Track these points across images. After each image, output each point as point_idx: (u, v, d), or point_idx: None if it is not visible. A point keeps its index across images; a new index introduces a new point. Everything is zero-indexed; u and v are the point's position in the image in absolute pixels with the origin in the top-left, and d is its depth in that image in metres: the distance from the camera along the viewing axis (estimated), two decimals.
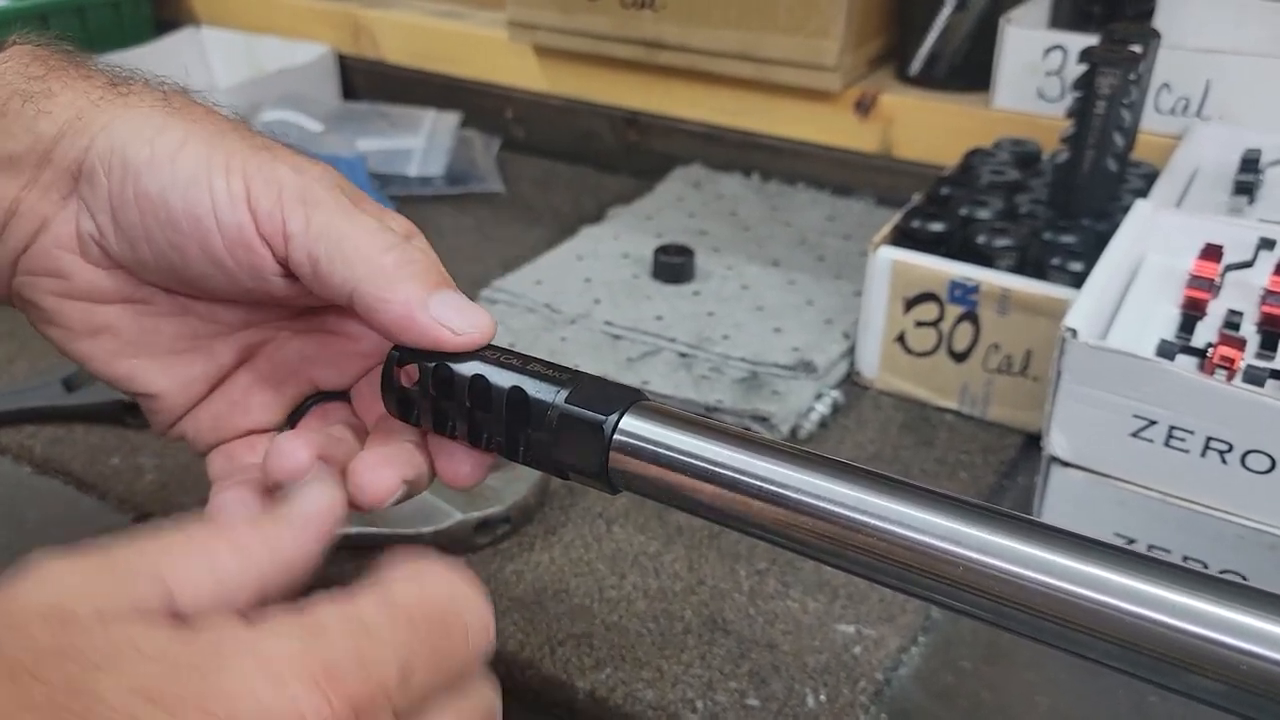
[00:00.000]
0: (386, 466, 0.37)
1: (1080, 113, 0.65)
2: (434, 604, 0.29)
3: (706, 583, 0.53)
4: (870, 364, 0.68)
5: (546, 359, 0.38)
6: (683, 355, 0.69)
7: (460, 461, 0.39)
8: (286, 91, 1.03)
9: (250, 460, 0.41)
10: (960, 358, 0.65)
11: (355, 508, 0.37)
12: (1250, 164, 0.70)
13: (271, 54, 1.12)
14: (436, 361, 0.37)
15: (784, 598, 0.52)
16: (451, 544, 0.54)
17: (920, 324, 0.65)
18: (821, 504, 0.31)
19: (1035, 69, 0.80)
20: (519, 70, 1.03)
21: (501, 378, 0.37)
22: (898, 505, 0.30)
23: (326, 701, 0.24)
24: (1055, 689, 0.48)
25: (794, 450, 0.33)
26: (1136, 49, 0.63)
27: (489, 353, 0.38)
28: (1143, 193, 0.71)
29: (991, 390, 0.64)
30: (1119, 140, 0.65)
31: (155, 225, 0.36)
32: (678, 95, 0.95)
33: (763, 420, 0.63)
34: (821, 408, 0.65)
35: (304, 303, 0.40)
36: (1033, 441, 0.64)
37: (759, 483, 0.32)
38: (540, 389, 0.36)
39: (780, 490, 0.32)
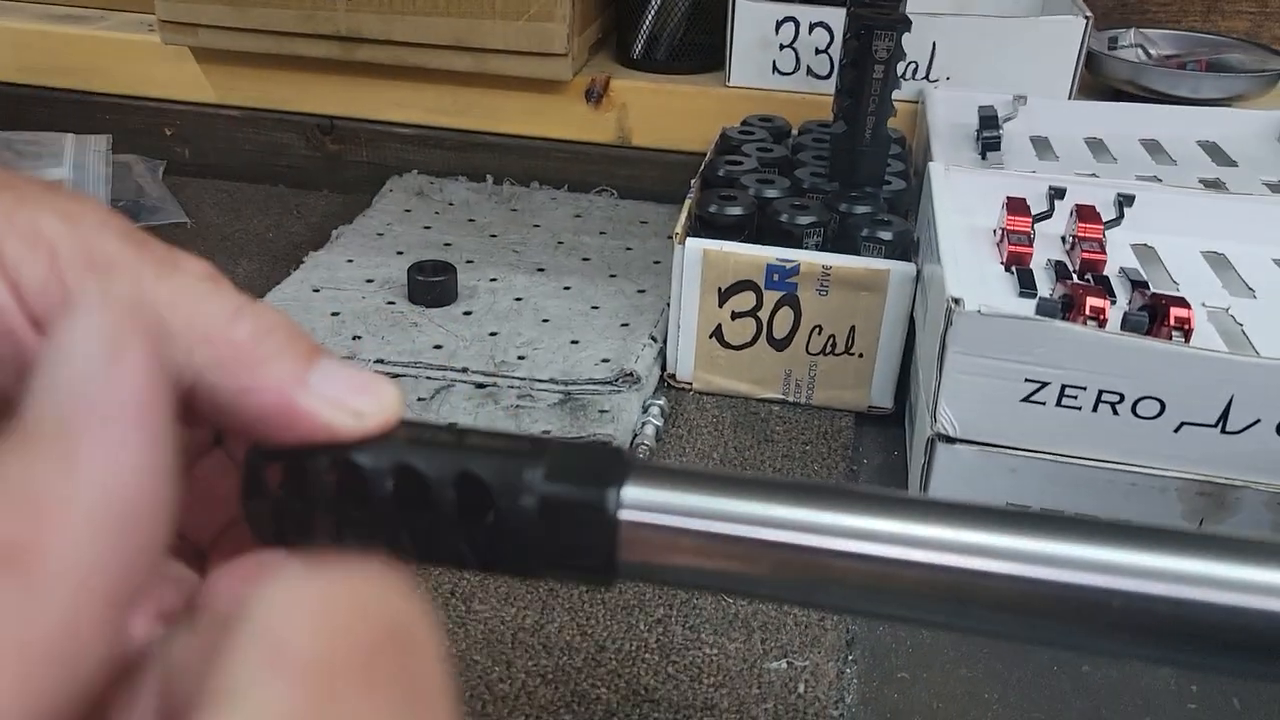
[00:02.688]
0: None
1: (855, 80, 0.63)
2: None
3: (608, 648, 0.45)
4: (685, 364, 0.63)
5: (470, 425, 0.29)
6: (480, 386, 0.60)
7: None
8: None
9: None
10: (782, 345, 0.61)
11: None
12: (989, 121, 0.72)
13: None
14: (330, 455, 0.27)
15: (698, 645, 0.45)
16: None
17: (737, 315, 0.60)
18: (936, 555, 0.25)
19: (769, 43, 0.79)
20: (176, 79, 0.87)
21: (441, 463, 0.27)
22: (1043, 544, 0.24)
23: None
24: (996, 682, 0.45)
25: (858, 493, 0.26)
26: (902, 11, 0.62)
27: (404, 430, 0.28)
28: (900, 158, 0.72)
29: (816, 374, 0.61)
30: (892, 105, 0.64)
31: None
32: (383, 96, 0.84)
33: None
34: (654, 419, 0.59)
35: None
36: (862, 419, 0.62)
37: (844, 542, 0.25)
38: (501, 470, 0.27)
39: (875, 547, 0.25)
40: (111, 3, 0.91)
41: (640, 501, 0.26)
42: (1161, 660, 0.24)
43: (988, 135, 0.71)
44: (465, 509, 0.27)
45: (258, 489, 0.27)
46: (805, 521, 0.26)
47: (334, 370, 0.26)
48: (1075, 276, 0.55)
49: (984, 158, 0.71)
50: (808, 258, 0.59)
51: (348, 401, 0.26)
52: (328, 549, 0.28)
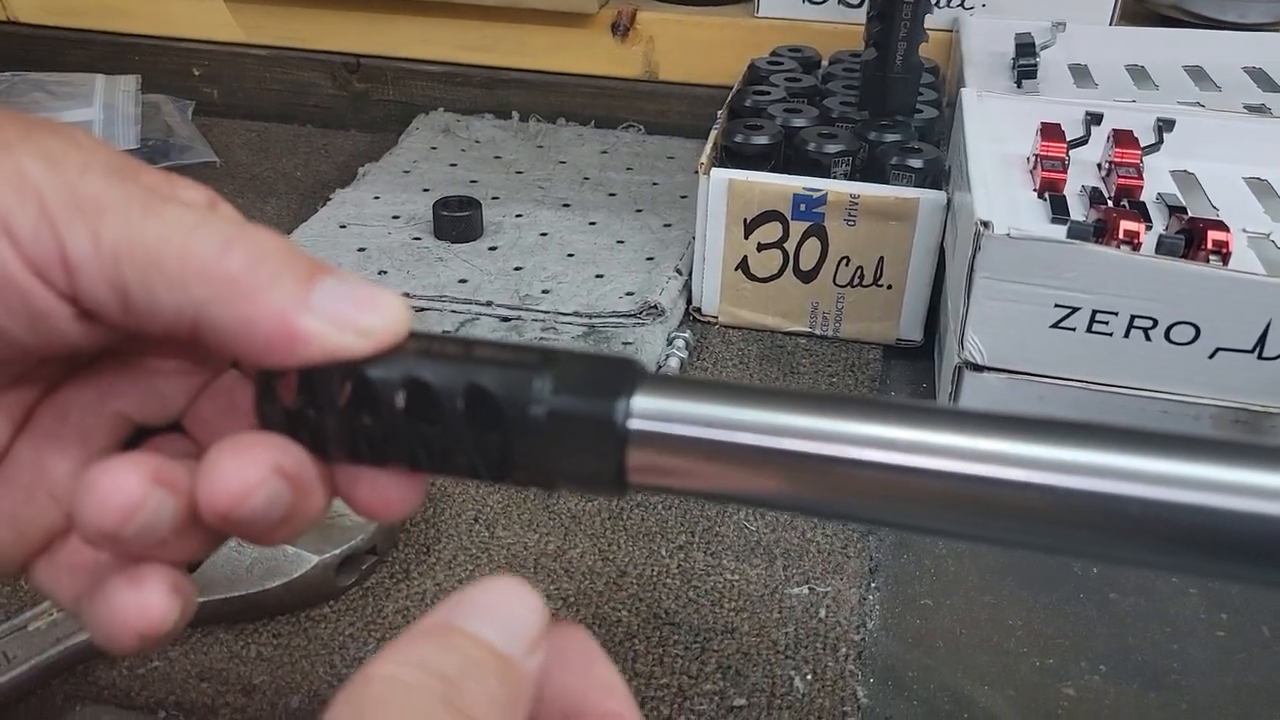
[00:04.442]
0: (249, 448, 0.26)
1: (886, 5, 0.61)
2: None
3: (629, 573, 0.45)
4: (711, 298, 0.62)
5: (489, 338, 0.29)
6: (506, 319, 0.60)
7: (386, 487, 0.28)
8: None
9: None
10: (808, 277, 0.60)
11: (209, 515, 0.25)
12: (1026, 48, 0.70)
13: None
14: (342, 369, 0.27)
15: (719, 571, 0.45)
16: (308, 596, 0.42)
17: (763, 246, 0.60)
18: (946, 463, 0.24)
19: None
20: (204, 18, 0.86)
21: (449, 375, 0.27)
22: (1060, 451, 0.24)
23: None
24: (1020, 608, 0.44)
25: (869, 402, 0.26)
26: None
27: (411, 343, 0.28)
28: (933, 86, 0.70)
29: (844, 306, 0.61)
30: (924, 32, 0.63)
31: None
32: (408, 33, 0.84)
33: None
34: (678, 352, 0.58)
35: (108, 343, 0.27)
36: (890, 352, 0.61)
37: (855, 450, 0.25)
38: (509, 382, 0.26)
39: (886, 455, 0.25)
40: None
41: (649, 411, 0.26)
42: (1178, 568, 0.23)
43: (1024, 63, 0.69)
44: (474, 421, 0.26)
45: (270, 402, 0.27)
46: (815, 429, 0.25)
47: (336, 288, 0.26)
48: (1111, 203, 0.53)
49: (1019, 85, 0.69)
50: (835, 187, 0.58)
51: (353, 319, 0.26)
52: (342, 461, 0.28)
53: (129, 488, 0.25)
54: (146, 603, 0.26)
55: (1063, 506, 0.24)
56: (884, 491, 0.25)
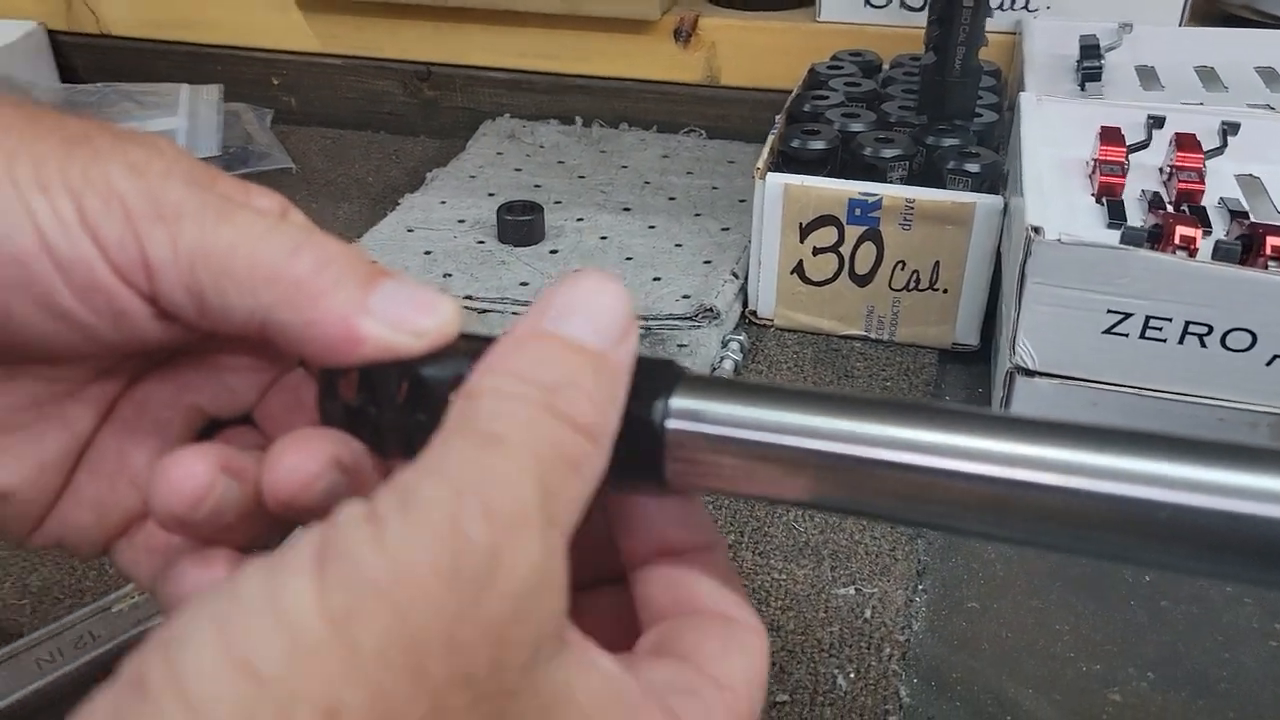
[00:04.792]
0: (310, 441, 0.28)
1: (945, 9, 0.62)
2: None
3: None
4: (767, 301, 0.63)
5: None
6: None
7: None
8: None
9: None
10: (864, 281, 0.61)
11: (272, 503, 0.27)
12: (1091, 50, 0.70)
13: None
14: (399, 368, 0.28)
15: (767, 570, 0.46)
16: None
17: (819, 250, 0.60)
18: (977, 466, 0.25)
19: None
20: (283, 29, 0.90)
21: None
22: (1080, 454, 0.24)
23: None
24: (1068, 613, 0.45)
25: (902, 404, 0.27)
26: None
27: (463, 343, 0.29)
28: (994, 90, 0.70)
29: (899, 310, 0.61)
30: (984, 36, 0.63)
31: None
32: (476, 41, 0.86)
33: None
34: (732, 354, 0.59)
35: (185, 341, 0.29)
36: (946, 357, 0.61)
37: (887, 452, 0.26)
38: None
39: (916, 457, 0.25)
40: None
41: (688, 412, 0.27)
42: (1232, 578, 0.24)
43: (1088, 65, 0.69)
44: None
45: (332, 398, 0.29)
46: (850, 432, 0.26)
47: (394, 291, 0.27)
48: (1171, 208, 0.53)
49: (1083, 89, 0.68)
50: (890, 191, 0.58)
51: (408, 321, 0.27)
52: (398, 455, 0.30)
53: (198, 475, 0.27)
54: (214, 581, 0.28)
55: (1089, 510, 0.24)
56: (914, 493, 0.26)
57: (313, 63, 0.90)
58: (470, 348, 0.29)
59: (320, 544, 0.20)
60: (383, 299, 0.27)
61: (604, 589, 0.32)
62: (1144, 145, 0.56)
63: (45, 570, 0.46)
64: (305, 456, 0.27)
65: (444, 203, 0.74)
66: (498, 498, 0.21)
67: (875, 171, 0.60)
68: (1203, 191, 0.53)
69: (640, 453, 0.27)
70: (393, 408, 0.29)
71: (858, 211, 0.59)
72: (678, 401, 0.27)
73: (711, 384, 0.28)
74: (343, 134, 0.90)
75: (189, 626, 0.19)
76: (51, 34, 0.93)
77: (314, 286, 0.26)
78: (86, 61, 0.94)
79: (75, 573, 0.46)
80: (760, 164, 0.60)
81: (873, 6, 0.78)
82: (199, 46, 0.92)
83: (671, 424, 0.27)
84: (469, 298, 0.63)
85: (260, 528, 0.29)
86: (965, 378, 0.60)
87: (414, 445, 0.30)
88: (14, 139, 0.25)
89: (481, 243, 0.69)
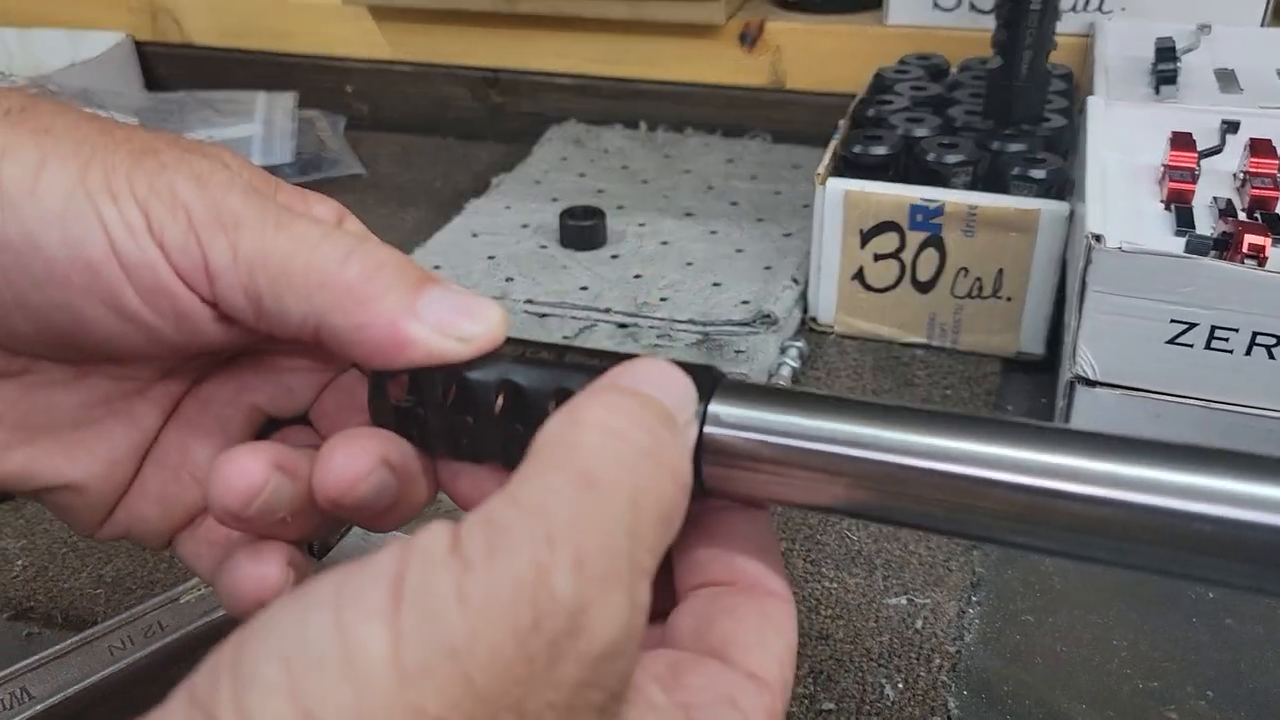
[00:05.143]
0: (360, 441, 0.28)
1: (1012, 13, 0.61)
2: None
3: None
4: (827, 307, 0.62)
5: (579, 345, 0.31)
6: (623, 326, 0.62)
7: (485, 483, 0.31)
8: (80, 89, 0.88)
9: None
10: (926, 288, 0.60)
11: (322, 500, 0.28)
12: (1166, 52, 0.68)
13: (53, 49, 0.96)
14: (444, 371, 0.29)
15: (819, 578, 0.46)
16: None
17: (880, 256, 0.60)
18: (1010, 476, 0.25)
19: None
20: (356, 38, 0.92)
21: (541, 379, 0.29)
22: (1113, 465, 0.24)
23: None
24: (1127, 629, 0.44)
25: (935, 412, 0.27)
26: None
27: (508, 348, 0.30)
28: (1065, 94, 0.69)
29: (962, 318, 0.60)
30: (1053, 39, 0.62)
31: (29, 284, 0.26)
32: (543, 47, 0.87)
33: None
34: (790, 361, 0.59)
35: (245, 343, 0.31)
36: (1010, 365, 0.60)
37: (922, 460, 0.26)
38: None
39: (951, 466, 0.25)
40: None
41: (724, 418, 0.28)
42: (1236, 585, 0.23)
43: (1163, 68, 0.67)
44: None
45: (381, 399, 0.30)
46: (883, 439, 0.26)
47: (441, 297, 0.28)
48: (1244, 215, 0.51)
49: (1157, 92, 0.67)
50: (953, 197, 0.57)
51: (454, 326, 0.28)
52: (444, 457, 0.31)
53: (252, 472, 0.28)
54: (265, 573, 0.29)
55: (1128, 522, 0.24)
56: (947, 501, 0.26)
57: (385, 70, 0.92)
58: (515, 353, 0.30)
59: (397, 576, 0.19)
60: (430, 304, 0.28)
61: None
62: (1217, 150, 0.55)
63: (120, 561, 0.48)
64: (354, 455, 0.28)
65: (508, 207, 0.75)
66: (590, 549, 0.20)
67: (938, 177, 0.59)
68: (1277, 199, 0.51)
69: None
70: (440, 410, 0.30)
71: (919, 217, 0.58)
72: (715, 407, 0.28)
73: (748, 390, 0.28)
74: (412, 139, 0.91)
75: (259, 664, 0.18)
76: (138, 45, 0.97)
77: (364, 292, 0.27)
78: (170, 71, 0.98)
79: (147, 564, 0.47)
80: (821, 169, 0.60)
81: (941, 9, 0.77)
82: (277, 55, 0.95)
83: (708, 430, 0.28)
84: (529, 301, 0.64)
85: (313, 523, 0.30)
86: (1029, 387, 0.59)
87: (459, 447, 0.30)
88: (88, 151, 0.27)
89: (544, 247, 0.70)
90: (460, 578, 0.19)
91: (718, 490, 0.28)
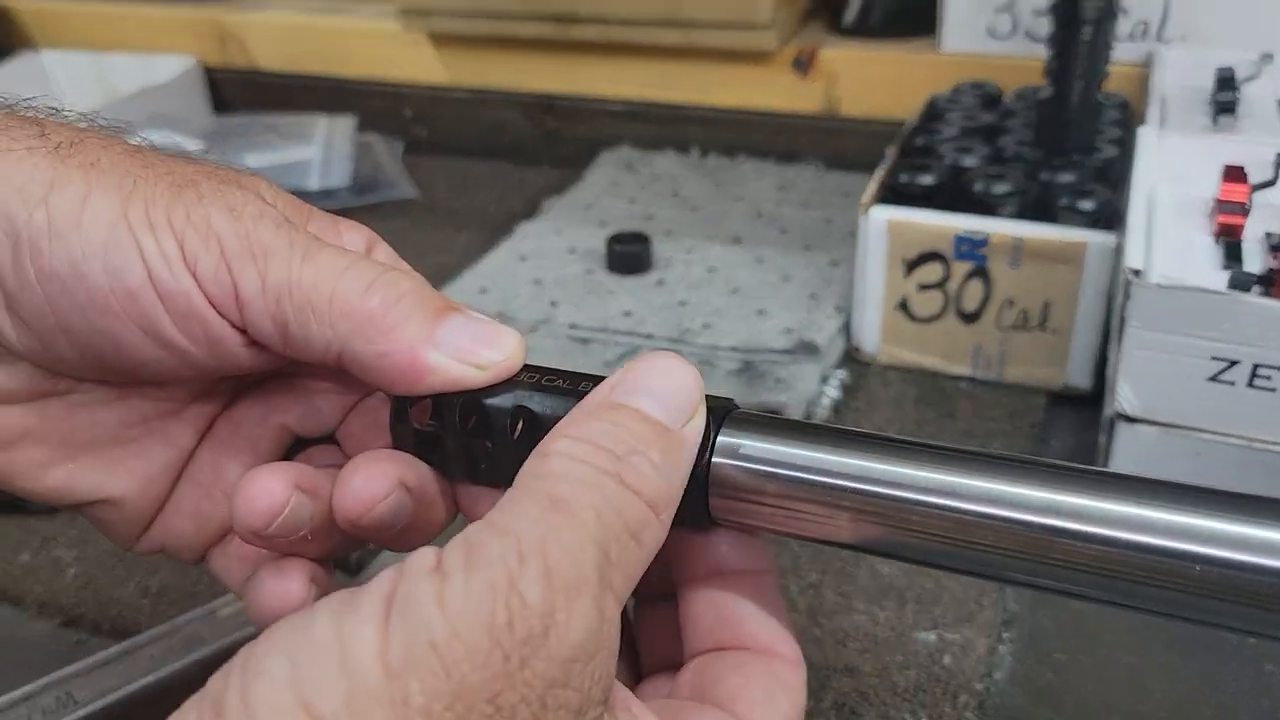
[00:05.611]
0: (379, 463, 0.30)
1: (1063, 42, 0.60)
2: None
3: None
4: (871, 337, 0.62)
5: (592, 372, 0.31)
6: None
7: None
8: (150, 112, 0.91)
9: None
10: (971, 318, 0.59)
11: (341, 520, 0.29)
12: (1227, 82, 0.67)
13: (126, 73, 1.00)
14: (463, 397, 0.30)
15: (848, 611, 0.46)
16: None
17: (924, 287, 0.59)
18: (1023, 515, 0.24)
19: (984, 6, 0.76)
20: (415, 63, 0.94)
21: (553, 405, 0.29)
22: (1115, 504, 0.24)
23: None
24: (1163, 672, 0.43)
25: (946, 450, 0.26)
26: None
27: (525, 375, 0.31)
28: (1120, 123, 0.68)
29: (1007, 349, 0.59)
30: (1105, 68, 0.61)
31: (73, 310, 0.28)
32: (596, 73, 0.88)
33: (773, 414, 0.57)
34: (831, 391, 0.59)
35: (275, 367, 0.32)
36: (1057, 399, 0.59)
37: (925, 495, 0.25)
38: None
39: (954, 502, 0.25)
40: None
41: (734, 449, 0.28)
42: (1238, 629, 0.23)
43: (1222, 98, 0.66)
44: None
45: (403, 423, 0.31)
46: (895, 476, 0.26)
47: (461, 325, 0.29)
48: None
49: (1215, 123, 0.65)
50: (999, 228, 0.57)
51: (472, 354, 0.29)
52: (462, 479, 0.32)
53: (273, 492, 0.29)
54: (288, 589, 0.30)
55: (1129, 563, 0.24)
56: (949, 537, 0.26)
57: (442, 95, 0.94)
58: (532, 380, 0.30)
59: (390, 591, 0.21)
60: (450, 332, 0.29)
61: (656, 604, 0.33)
62: (1270, 184, 0.53)
63: (165, 574, 0.49)
64: (372, 477, 0.29)
65: (557, 232, 0.76)
66: (558, 562, 0.22)
67: (985, 207, 0.59)
68: None
69: (686, 489, 0.28)
70: (458, 434, 0.30)
71: (964, 248, 0.58)
72: (724, 438, 0.28)
73: (759, 422, 0.28)
74: (468, 163, 0.93)
75: (267, 659, 0.20)
76: (207, 69, 1.00)
77: (385, 320, 0.28)
78: (237, 94, 1.01)
79: (190, 577, 0.49)
80: (865, 197, 0.60)
81: (996, 37, 0.77)
82: (339, 80, 0.97)
83: (716, 460, 0.28)
84: (573, 326, 0.64)
85: (334, 542, 0.31)
86: (1075, 422, 0.58)
87: (478, 472, 0.31)
88: (130, 184, 0.28)
89: (590, 272, 0.70)
90: (440, 586, 0.21)
91: (726, 521, 0.29)
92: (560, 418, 0.29)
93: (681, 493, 0.26)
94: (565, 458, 0.25)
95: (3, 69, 0.99)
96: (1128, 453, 0.47)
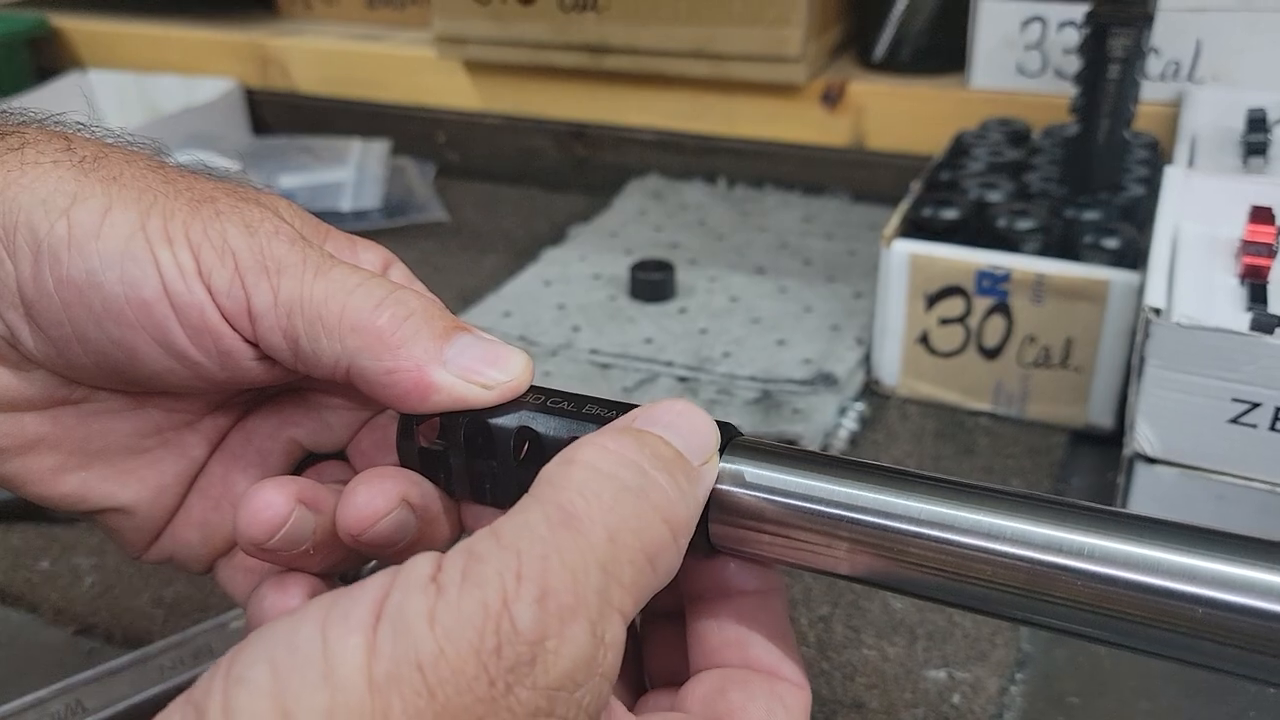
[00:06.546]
0: (383, 480, 0.30)
1: (1090, 80, 0.60)
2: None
3: None
4: (890, 370, 0.62)
5: (600, 396, 0.31)
6: (683, 379, 0.62)
7: None
8: (191, 132, 0.93)
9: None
10: (992, 354, 0.59)
11: (344, 535, 0.29)
12: (1258, 123, 0.66)
13: (169, 94, 1.02)
14: (468, 416, 0.30)
15: (857, 645, 0.45)
16: None
17: (945, 321, 0.59)
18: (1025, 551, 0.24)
19: (1013, 43, 0.76)
20: (449, 89, 0.95)
21: (557, 427, 0.30)
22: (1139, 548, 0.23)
23: None
24: (1178, 717, 0.42)
25: (947, 482, 0.26)
26: (1146, 8, 0.59)
27: (531, 397, 0.31)
28: (1148, 163, 0.67)
29: (1029, 386, 0.59)
30: (1133, 107, 0.61)
31: (88, 319, 0.28)
32: (627, 102, 0.89)
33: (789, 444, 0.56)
34: (849, 423, 0.59)
35: (286, 381, 0.32)
36: (1079, 438, 0.59)
37: (921, 528, 0.25)
38: None
39: (954, 536, 0.25)
40: (397, 22, 1.02)
41: (735, 476, 0.28)
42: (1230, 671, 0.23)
43: (1253, 139, 0.65)
44: None
45: (409, 441, 0.31)
46: (893, 507, 0.26)
47: (468, 345, 0.30)
48: None
49: (1245, 164, 0.65)
50: (1021, 264, 0.56)
51: (478, 373, 0.29)
52: (466, 498, 0.32)
53: (276, 506, 0.29)
54: (287, 604, 0.30)
55: (1124, 601, 0.23)
56: (945, 571, 0.25)
57: (475, 121, 0.95)
58: (537, 401, 0.30)
59: (381, 598, 0.21)
60: (457, 352, 0.29)
61: (662, 619, 0.33)
62: None
63: (179, 585, 0.50)
64: (375, 494, 0.29)
65: (582, 258, 0.76)
66: (556, 584, 0.21)
67: (1008, 243, 0.59)
68: None
69: None
70: (463, 453, 0.30)
71: (986, 283, 0.57)
72: (725, 464, 0.28)
73: (761, 449, 0.28)
74: (498, 188, 0.94)
75: (249, 666, 0.20)
76: (247, 91, 1.02)
77: (394, 338, 0.29)
78: (276, 116, 1.03)
79: (204, 589, 0.49)
80: (888, 230, 0.60)
81: (1025, 74, 0.77)
82: (375, 104, 0.99)
83: (717, 486, 0.28)
84: (594, 351, 0.64)
85: (337, 557, 0.32)
86: (1096, 461, 0.57)
87: (481, 491, 0.31)
88: (150, 198, 0.29)
89: (613, 298, 0.71)
90: (433, 602, 0.21)
91: (725, 548, 0.29)
92: (565, 440, 0.29)
93: (696, 524, 0.26)
94: (589, 469, 0.24)
95: (51, 87, 1.01)
96: (1147, 494, 0.46)
